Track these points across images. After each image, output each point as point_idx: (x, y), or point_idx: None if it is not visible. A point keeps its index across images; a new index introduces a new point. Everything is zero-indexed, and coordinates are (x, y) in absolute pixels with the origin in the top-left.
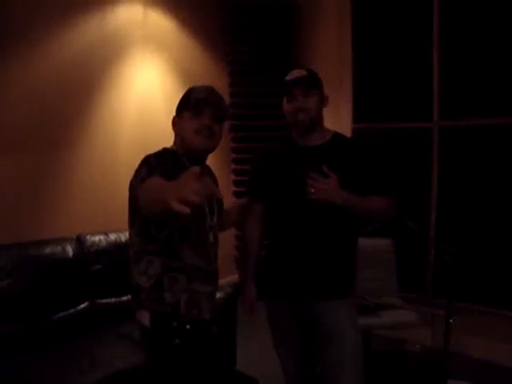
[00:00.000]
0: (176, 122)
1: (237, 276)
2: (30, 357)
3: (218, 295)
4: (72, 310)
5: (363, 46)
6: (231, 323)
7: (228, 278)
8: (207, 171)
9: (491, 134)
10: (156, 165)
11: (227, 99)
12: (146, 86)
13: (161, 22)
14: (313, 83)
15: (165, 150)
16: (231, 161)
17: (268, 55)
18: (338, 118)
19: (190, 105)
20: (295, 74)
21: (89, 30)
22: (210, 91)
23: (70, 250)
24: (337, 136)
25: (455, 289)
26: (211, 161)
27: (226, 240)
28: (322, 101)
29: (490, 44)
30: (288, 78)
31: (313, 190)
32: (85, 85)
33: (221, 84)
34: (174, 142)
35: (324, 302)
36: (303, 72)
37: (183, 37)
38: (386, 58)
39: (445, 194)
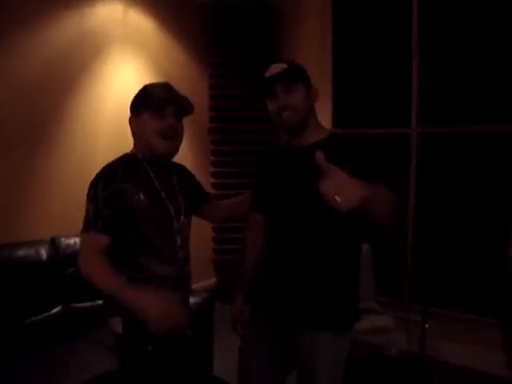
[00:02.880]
0: (133, 122)
1: (214, 280)
2: (1, 362)
3: (194, 300)
4: (45, 314)
5: (343, 51)
6: (208, 328)
7: (204, 282)
8: (176, 170)
9: (469, 141)
10: (103, 204)
11: (207, 102)
12: (124, 86)
13: (141, 22)
14: (295, 76)
15: (125, 156)
16: (210, 163)
17: (249, 58)
18: None
19: (150, 104)
20: (274, 68)
21: (68, 26)
22: (168, 89)
23: (43, 253)
24: (333, 136)
25: (431, 294)
26: (191, 164)
27: (204, 243)
28: (310, 95)
29: (468, 51)
30: (267, 74)
31: (339, 199)
32: (63, 82)
33: (201, 86)
34: (134, 145)
35: (307, 329)
36: (283, 65)
37: (163, 37)
38: (365, 64)
39: (422, 200)
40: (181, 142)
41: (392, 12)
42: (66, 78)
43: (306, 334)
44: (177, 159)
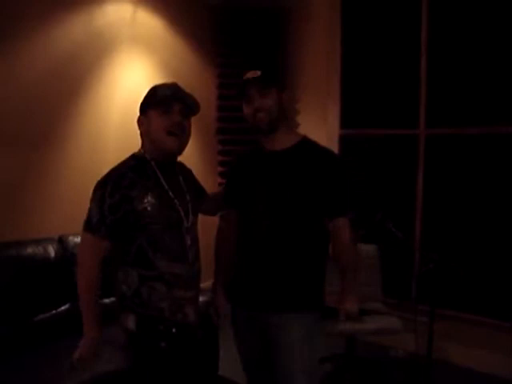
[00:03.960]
0: (142, 122)
1: None
2: (9, 359)
3: (202, 299)
4: (53, 312)
5: (352, 52)
6: (214, 327)
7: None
8: (180, 169)
9: (476, 143)
10: (108, 211)
11: (215, 101)
12: (133, 86)
13: (150, 22)
14: (269, 81)
15: (133, 157)
16: (218, 163)
17: (257, 58)
18: (326, 124)
19: (157, 102)
20: (250, 74)
21: (77, 27)
22: (175, 87)
23: (51, 251)
24: (305, 141)
25: (439, 295)
26: (198, 163)
27: (212, 242)
28: (282, 98)
29: (477, 53)
30: (243, 78)
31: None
32: (72, 83)
33: (209, 86)
34: (142, 145)
35: (276, 314)
36: (257, 72)
37: (172, 37)
38: (374, 65)
39: (430, 201)
40: (188, 139)
41: (401, 13)
42: (75, 78)
43: (280, 318)
44: (184, 159)
